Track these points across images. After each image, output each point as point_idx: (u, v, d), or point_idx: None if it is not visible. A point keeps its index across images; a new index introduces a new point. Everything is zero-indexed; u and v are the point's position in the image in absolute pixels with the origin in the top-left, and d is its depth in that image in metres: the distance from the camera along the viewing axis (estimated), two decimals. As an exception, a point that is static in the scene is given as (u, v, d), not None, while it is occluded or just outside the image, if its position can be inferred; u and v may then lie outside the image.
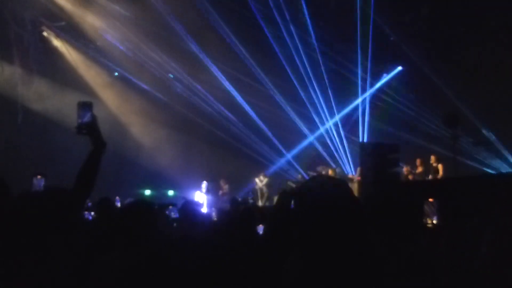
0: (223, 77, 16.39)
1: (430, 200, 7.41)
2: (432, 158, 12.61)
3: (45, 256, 1.58)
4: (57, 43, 15.92)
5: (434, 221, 7.25)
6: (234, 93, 16.67)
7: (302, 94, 16.64)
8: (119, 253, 1.84)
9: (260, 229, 3.86)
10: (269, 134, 17.10)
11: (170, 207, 3.38)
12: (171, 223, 3.13)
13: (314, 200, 1.49)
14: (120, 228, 2.03)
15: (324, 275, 1.39)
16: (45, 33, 15.62)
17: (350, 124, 16.77)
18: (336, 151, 16.93)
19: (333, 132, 17.02)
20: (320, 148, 17.23)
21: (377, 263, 1.44)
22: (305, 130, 17.45)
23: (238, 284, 1.42)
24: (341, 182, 1.61)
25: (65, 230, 1.67)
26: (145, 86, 16.61)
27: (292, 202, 1.55)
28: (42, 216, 1.63)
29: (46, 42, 15.70)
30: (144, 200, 2.22)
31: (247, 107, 16.87)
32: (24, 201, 1.72)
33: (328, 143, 17.06)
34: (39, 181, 6.67)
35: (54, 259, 1.58)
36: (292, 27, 15.46)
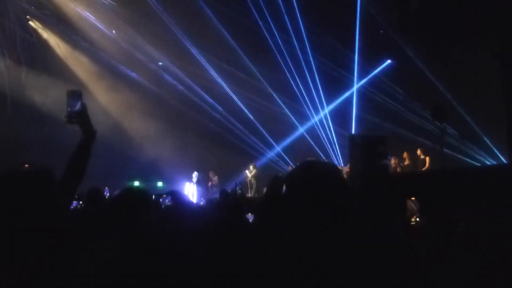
0: (213, 69, 16.36)
1: (413, 198, 7.46)
2: (419, 151, 12.74)
3: (32, 243, 1.55)
4: (44, 33, 15.73)
5: (418, 219, 7.30)
6: (225, 85, 16.65)
7: (293, 87, 16.66)
8: (112, 241, 1.84)
9: (250, 217, 3.88)
10: (259, 126, 17.13)
11: (164, 195, 3.40)
12: (164, 212, 3.15)
13: (305, 184, 1.50)
14: (113, 215, 2.04)
15: (314, 259, 1.41)
16: (32, 23, 15.42)
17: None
18: (326, 143, 17.02)
19: (324, 124, 17.10)
20: (309, 140, 17.31)
21: (367, 248, 1.46)
22: (295, 122, 17.52)
23: (233, 269, 1.44)
24: (332, 167, 1.62)
25: (52, 214, 1.64)
26: (135, 77, 16.53)
27: (284, 187, 1.56)
28: (26, 195, 1.59)
29: (33, 32, 15.51)
30: (138, 188, 2.23)
31: (237, 99, 16.87)
32: (6, 181, 1.66)
33: (318, 136, 17.14)
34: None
35: (41, 245, 1.56)
36: (286, 20, 15.40)
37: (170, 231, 1.48)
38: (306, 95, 16.88)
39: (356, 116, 16.57)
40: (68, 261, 1.59)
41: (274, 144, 17.44)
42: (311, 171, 1.58)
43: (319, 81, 16.60)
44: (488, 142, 13.81)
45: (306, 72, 16.41)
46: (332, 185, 1.50)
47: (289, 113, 17.24)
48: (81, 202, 6.64)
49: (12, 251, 1.51)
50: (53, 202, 1.62)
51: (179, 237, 1.48)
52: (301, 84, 16.65)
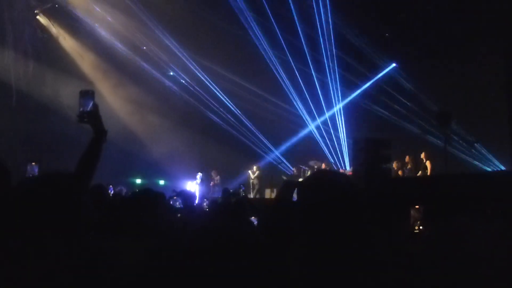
0: (217, 69, 16.36)
1: (417, 206, 7.41)
2: (423, 154, 12.69)
3: (50, 247, 1.57)
4: (52, 29, 15.78)
5: (421, 227, 7.24)
6: (230, 83, 16.66)
7: (299, 86, 16.67)
8: (124, 242, 1.87)
9: (254, 220, 3.90)
10: (263, 126, 17.16)
11: (175, 197, 3.42)
12: (174, 213, 3.18)
13: (320, 193, 1.52)
14: (126, 217, 2.07)
15: (328, 265, 1.42)
16: (40, 18, 15.47)
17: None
18: (328, 146, 17.02)
19: (329, 126, 17.12)
20: (314, 142, 17.32)
21: (377, 256, 1.48)
22: (299, 123, 17.54)
23: (241, 274, 1.45)
24: (345, 176, 1.64)
25: (69, 218, 1.67)
26: (141, 75, 16.58)
27: (295, 194, 1.57)
28: (45, 204, 1.61)
29: (41, 27, 15.55)
30: (150, 190, 2.25)
31: (240, 100, 16.88)
32: (24, 189, 1.69)
33: (323, 137, 17.15)
34: (33, 168, 6.63)
35: (59, 249, 1.57)
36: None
37: (180, 235, 1.50)
38: (311, 96, 16.91)
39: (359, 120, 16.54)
40: (87, 263, 1.61)
41: (272, 146, 17.47)
42: (324, 181, 1.59)
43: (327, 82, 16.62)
44: (492, 147, 13.75)
45: (314, 74, 16.41)
46: (345, 196, 1.51)
47: (295, 114, 17.27)
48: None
49: (33, 253, 1.53)
50: (77, 206, 1.64)
51: (189, 241, 1.50)
52: (306, 84, 16.67)
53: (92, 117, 2.42)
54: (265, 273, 1.52)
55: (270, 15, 15.07)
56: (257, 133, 17.28)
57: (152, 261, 1.24)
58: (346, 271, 1.42)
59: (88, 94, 2.45)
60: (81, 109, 2.43)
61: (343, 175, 1.79)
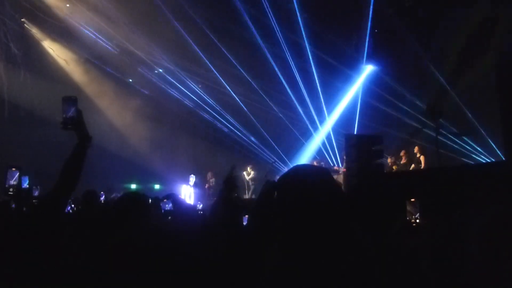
0: (209, 71, 16.33)
1: (412, 200, 7.44)
2: (416, 148, 12.70)
3: (34, 253, 1.56)
4: (39, 35, 15.69)
5: (418, 220, 7.26)
6: (222, 86, 16.62)
7: (291, 87, 16.66)
8: (111, 245, 1.85)
9: (245, 219, 3.88)
10: (256, 127, 17.15)
11: (165, 200, 3.40)
12: (165, 216, 3.17)
13: (296, 189, 1.50)
14: (112, 220, 2.05)
15: (305, 265, 1.39)
16: (27, 27, 15.38)
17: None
18: (323, 143, 17.04)
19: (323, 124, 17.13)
20: (308, 141, 17.34)
21: (361, 254, 1.45)
22: (294, 122, 17.56)
23: (224, 274, 1.44)
24: (323, 170, 1.61)
25: (50, 226, 1.66)
26: (132, 81, 16.55)
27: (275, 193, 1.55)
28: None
29: (27, 34, 15.47)
30: (136, 193, 2.23)
31: (234, 101, 16.86)
32: None
33: (315, 136, 17.16)
34: (12, 174, 6.51)
35: (43, 255, 1.57)
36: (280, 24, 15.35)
37: (166, 234, 1.49)
38: (305, 93, 16.91)
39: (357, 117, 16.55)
40: (67, 262, 1.60)
41: (266, 145, 17.45)
42: (299, 175, 1.57)
43: (317, 81, 16.61)
44: (486, 137, 13.76)
45: (305, 74, 16.38)
46: (320, 188, 1.49)
47: (288, 115, 17.25)
48: (73, 206, 6.64)
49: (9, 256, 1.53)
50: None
51: (174, 240, 1.49)
52: (299, 85, 16.66)
53: (76, 123, 2.41)
54: (246, 272, 1.51)
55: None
56: (249, 134, 17.29)
57: (140, 261, 1.23)
58: (327, 266, 1.39)
59: (70, 100, 2.43)
60: (64, 116, 2.41)
61: (320, 168, 1.76)
